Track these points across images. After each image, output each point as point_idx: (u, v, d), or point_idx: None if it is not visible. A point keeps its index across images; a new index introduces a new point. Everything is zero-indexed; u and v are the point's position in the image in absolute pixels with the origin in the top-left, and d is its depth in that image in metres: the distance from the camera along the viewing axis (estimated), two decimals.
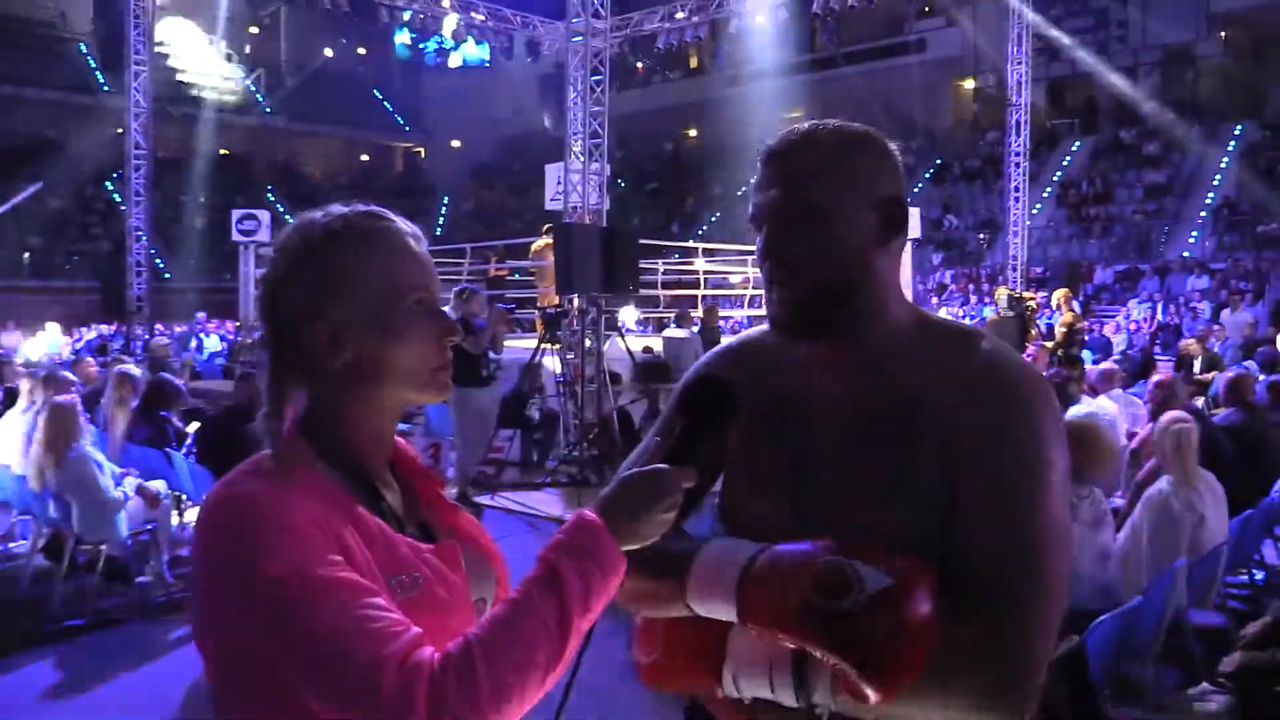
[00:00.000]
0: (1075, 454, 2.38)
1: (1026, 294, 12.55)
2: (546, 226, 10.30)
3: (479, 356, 7.56)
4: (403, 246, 1.16)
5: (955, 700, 1.10)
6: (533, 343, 9.35)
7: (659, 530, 1.15)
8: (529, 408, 8.91)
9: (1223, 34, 27.31)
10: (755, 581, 1.12)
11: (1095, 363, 13.00)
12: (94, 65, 31.11)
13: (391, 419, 1.20)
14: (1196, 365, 10.37)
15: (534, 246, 10.54)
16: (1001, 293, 12.10)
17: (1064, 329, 10.98)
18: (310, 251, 1.13)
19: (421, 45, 21.62)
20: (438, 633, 1.01)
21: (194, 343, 16.10)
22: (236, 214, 15.03)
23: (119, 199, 23.01)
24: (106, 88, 27.85)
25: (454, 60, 24.91)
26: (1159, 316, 18.50)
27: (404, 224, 1.19)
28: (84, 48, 32.06)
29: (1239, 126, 24.41)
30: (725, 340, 1.52)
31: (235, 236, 14.82)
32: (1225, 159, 23.92)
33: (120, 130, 16.16)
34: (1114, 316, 19.39)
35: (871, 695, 1.07)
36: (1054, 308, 11.87)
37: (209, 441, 6.11)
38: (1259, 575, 5.03)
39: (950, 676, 1.08)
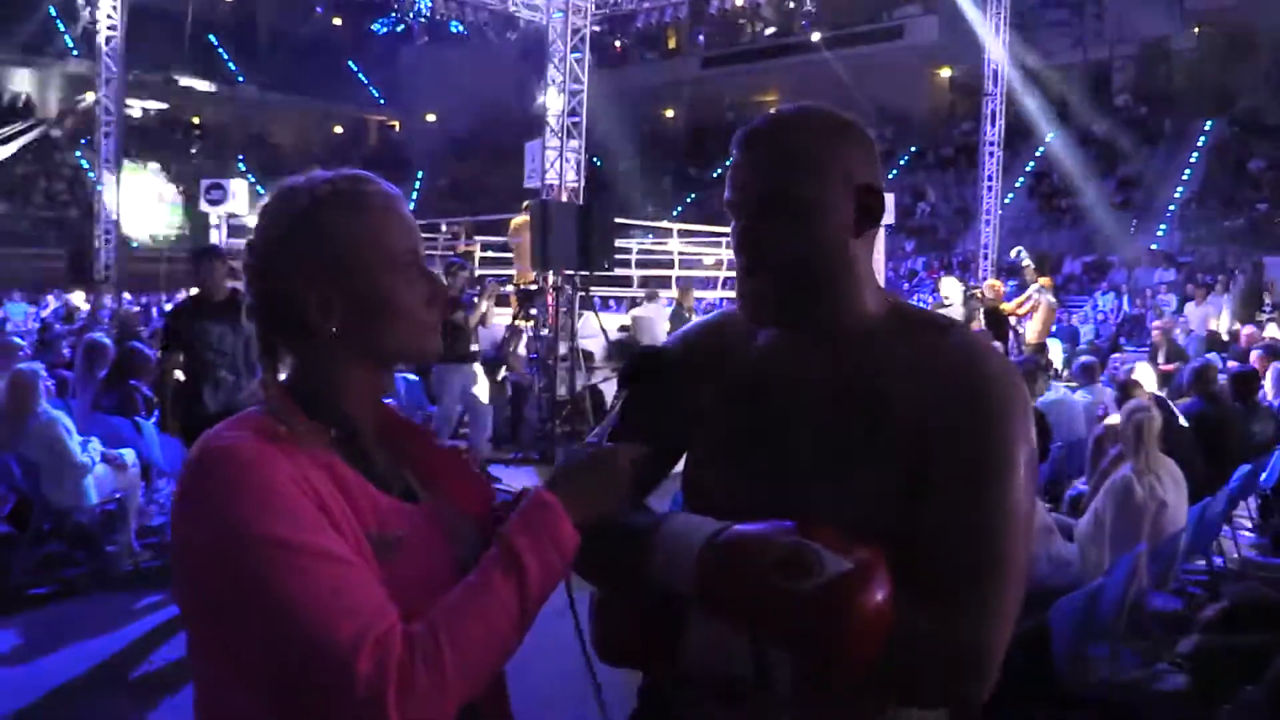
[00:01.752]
0: None
1: (992, 284, 12.54)
2: (526, 204, 10.27)
3: (466, 331, 7.44)
4: (389, 210, 1.16)
5: (913, 682, 1.11)
6: (505, 318, 9.32)
7: (610, 505, 1.17)
8: (500, 374, 8.90)
9: (1197, 29, 27.57)
10: (716, 559, 1.10)
11: (1065, 352, 13.15)
12: (63, 28, 30.52)
13: (381, 381, 1.20)
14: (1161, 356, 10.48)
15: (513, 223, 10.45)
16: (944, 284, 12.11)
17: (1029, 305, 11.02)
18: (297, 217, 1.12)
19: (399, 18, 21.40)
20: (416, 592, 1.02)
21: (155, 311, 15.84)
22: (205, 183, 14.87)
23: (88, 165, 22.64)
24: (76, 53, 27.32)
25: (432, 34, 24.66)
26: (1125, 308, 18.70)
27: (388, 187, 1.18)
28: (53, 10, 31.45)
29: (1209, 122, 24.69)
30: (699, 318, 1.50)
31: (203, 205, 14.69)
32: (1195, 154, 24.19)
33: (91, 96, 15.90)
34: (1082, 307, 19.60)
35: (829, 677, 1.08)
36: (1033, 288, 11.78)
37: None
38: (1217, 560, 5.14)
39: (908, 659, 1.08)
